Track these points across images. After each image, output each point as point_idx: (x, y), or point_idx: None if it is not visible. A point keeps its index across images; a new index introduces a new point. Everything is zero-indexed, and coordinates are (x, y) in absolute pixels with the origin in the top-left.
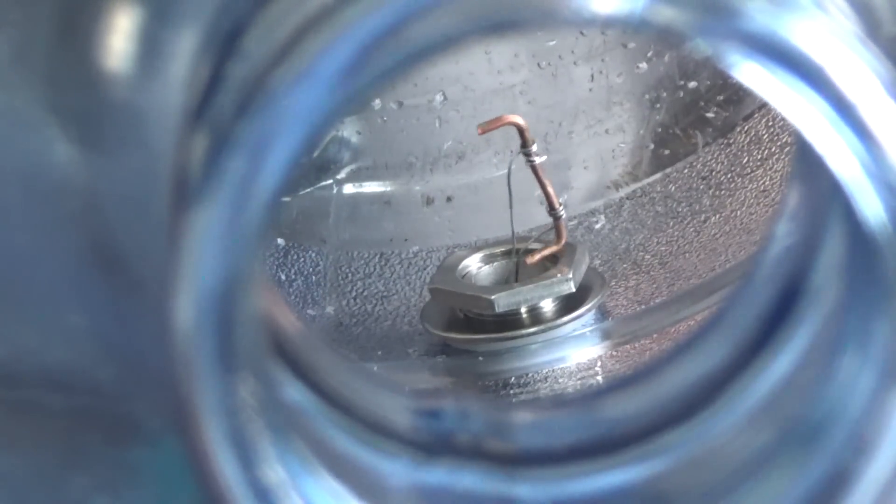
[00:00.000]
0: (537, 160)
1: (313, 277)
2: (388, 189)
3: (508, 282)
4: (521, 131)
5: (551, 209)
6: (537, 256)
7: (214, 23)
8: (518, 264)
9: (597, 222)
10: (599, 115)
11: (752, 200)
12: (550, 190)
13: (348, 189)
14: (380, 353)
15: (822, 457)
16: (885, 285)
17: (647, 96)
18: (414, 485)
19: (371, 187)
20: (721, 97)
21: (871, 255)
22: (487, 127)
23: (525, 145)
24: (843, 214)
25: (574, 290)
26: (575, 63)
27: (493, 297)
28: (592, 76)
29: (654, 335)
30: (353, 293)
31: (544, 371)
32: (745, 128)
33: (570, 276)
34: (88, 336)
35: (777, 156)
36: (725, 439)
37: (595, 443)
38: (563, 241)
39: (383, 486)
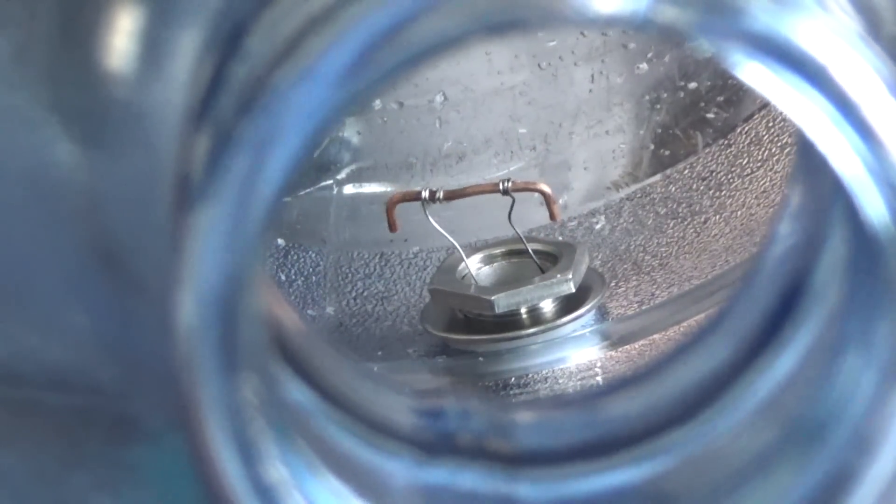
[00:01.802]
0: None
1: (313, 278)
2: (388, 189)
3: (508, 282)
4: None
5: (501, 191)
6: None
7: (217, 22)
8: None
9: (597, 223)
10: (600, 116)
11: (752, 201)
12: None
13: (348, 189)
14: (380, 353)
15: (824, 457)
16: (888, 285)
17: (647, 97)
18: (415, 484)
19: (371, 188)
20: (721, 98)
21: (873, 255)
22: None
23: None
24: (845, 214)
25: (574, 290)
26: (575, 64)
27: (492, 297)
28: (593, 77)
29: (655, 336)
30: (353, 293)
31: (544, 372)
32: (746, 129)
33: (570, 276)
34: (90, 335)
35: (777, 157)
36: (727, 439)
37: (596, 443)
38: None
39: (385, 485)
